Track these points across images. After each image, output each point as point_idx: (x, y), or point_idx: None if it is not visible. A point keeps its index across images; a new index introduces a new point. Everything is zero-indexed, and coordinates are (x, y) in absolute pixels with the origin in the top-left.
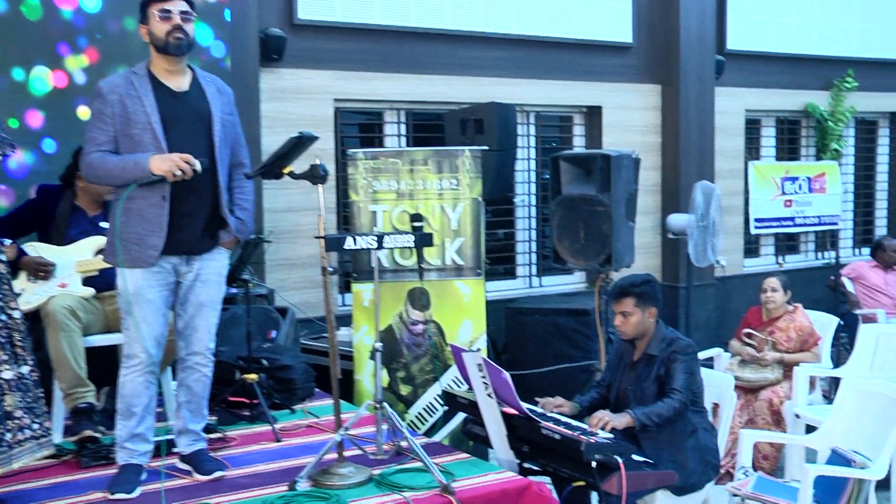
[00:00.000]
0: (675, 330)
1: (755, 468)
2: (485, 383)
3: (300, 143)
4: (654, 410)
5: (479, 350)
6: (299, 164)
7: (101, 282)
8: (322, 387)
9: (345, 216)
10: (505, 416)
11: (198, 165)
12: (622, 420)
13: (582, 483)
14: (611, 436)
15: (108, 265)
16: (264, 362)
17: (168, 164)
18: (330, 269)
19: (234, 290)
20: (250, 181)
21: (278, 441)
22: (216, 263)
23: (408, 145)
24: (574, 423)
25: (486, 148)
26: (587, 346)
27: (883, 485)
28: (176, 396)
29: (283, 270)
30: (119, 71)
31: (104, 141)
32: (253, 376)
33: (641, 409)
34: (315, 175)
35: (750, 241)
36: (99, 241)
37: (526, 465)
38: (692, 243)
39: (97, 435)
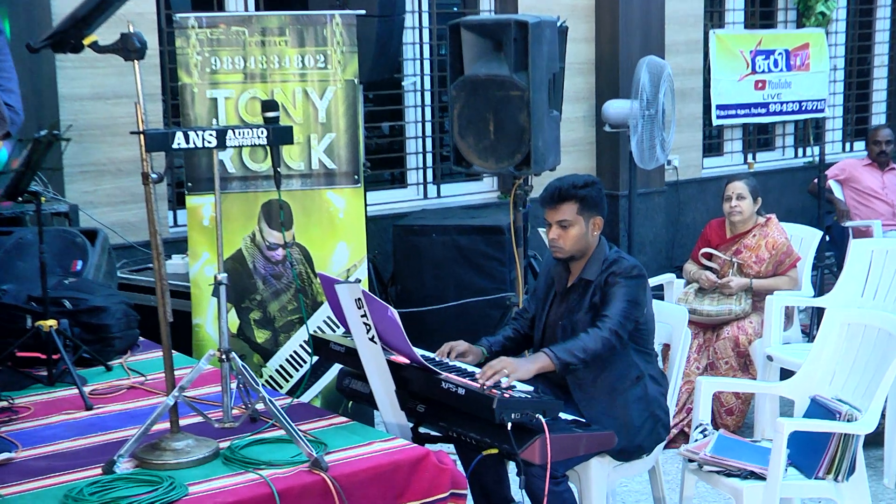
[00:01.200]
0: (620, 250)
1: (716, 426)
2: (366, 325)
3: (106, 1)
4: (576, 344)
5: (358, 281)
6: (106, 34)
7: None
8: (148, 335)
9: (174, 105)
10: (393, 366)
11: None
12: (531, 366)
13: (494, 451)
14: (530, 388)
15: None
16: (66, 304)
17: None
18: (154, 177)
19: (19, 208)
20: (4, 54)
21: (89, 409)
22: None
23: (257, 9)
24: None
25: (363, 13)
26: (500, 275)
27: (874, 441)
28: None
29: (90, 180)
30: None
31: None
32: (51, 322)
33: (560, 346)
34: (128, 48)
35: (711, 134)
36: None
37: (422, 429)
38: (636, 139)
39: None
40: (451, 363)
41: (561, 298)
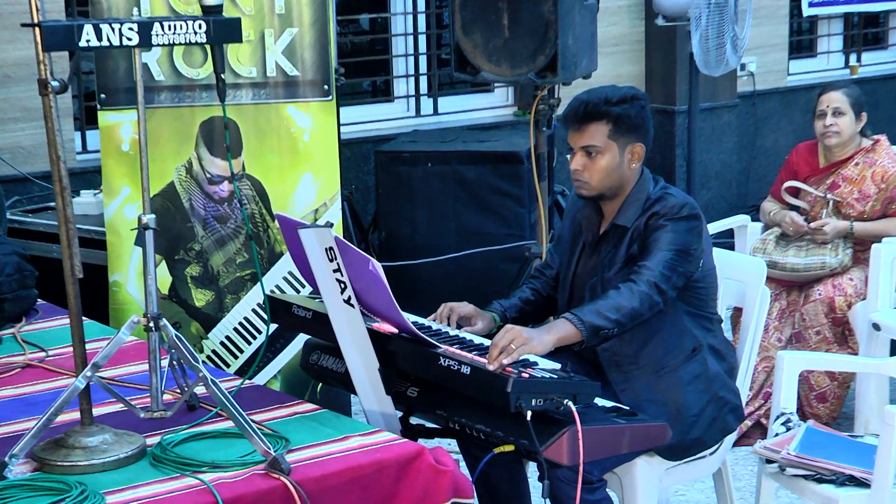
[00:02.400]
0: (670, 186)
1: (804, 416)
2: (340, 283)
3: None
4: (605, 303)
5: (329, 225)
6: None
7: None
8: (50, 296)
9: None
10: (376, 337)
11: None
12: (548, 336)
13: (509, 448)
14: (556, 366)
15: None
16: None
17: None
18: (55, 85)
19: None
20: None
21: None
22: None
23: None
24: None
25: None
26: (517, 218)
27: None
28: None
29: None
30: None
31: None
32: None
33: (585, 307)
34: None
35: (800, 28)
36: None
37: (414, 420)
38: (698, 35)
39: None
40: (452, 332)
41: (591, 250)
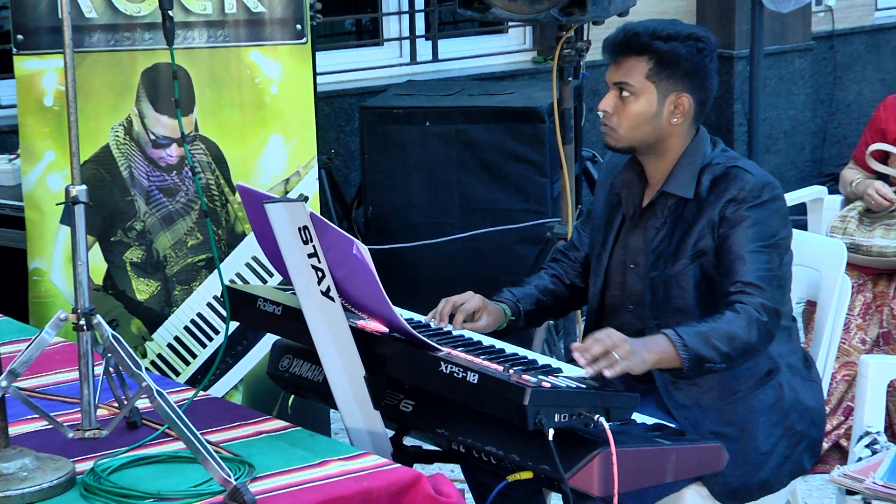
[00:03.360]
0: (730, 150)
1: (894, 436)
2: (317, 270)
3: None
4: (718, 330)
5: (303, 199)
6: None
7: None
8: None
9: None
10: (362, 338)
11: None
12: (648, 353)
13: (526, 475)
14: (581, 374)
15: None
16: None
17: None
18: None
19: None
20: None
21: None
22: None
23: None
24: (507, 347)
25: None
26: (536, 189)
27: None
28: None
29: None
30: None
31: None
32: None
33: (690, 328)
34: None
35: None
36: None
37: (408, 440)
38: None
39: None
40: (455, 332)
41: (633, 226)
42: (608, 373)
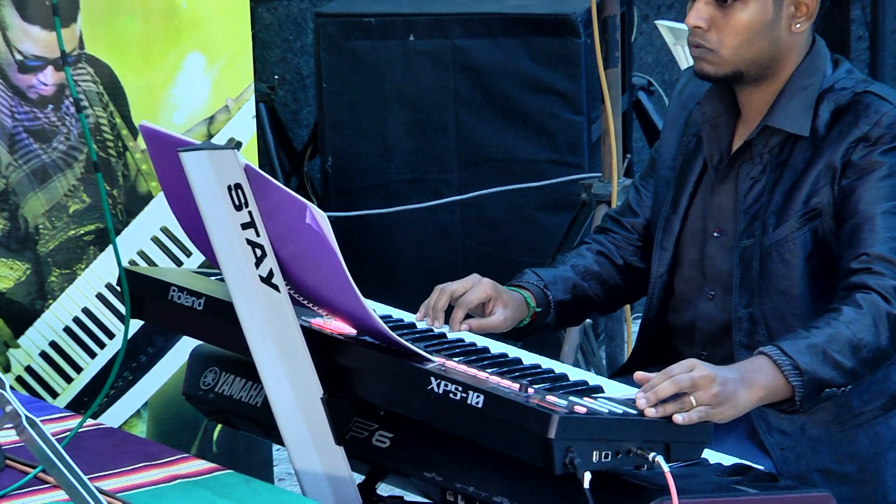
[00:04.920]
0: (856, 71)
1: None
2: (254, 247)
3: None
4: (837, 337)
5: (234, 146)
6: None
7: None
8: None
9: None
10: (320, 343)
11: None
12: (752, 392)
13: None
14: (631, 394)
15: None
16: None
17: None
18: None
19: None
20: None
21: None
22: None
23: None
24: (524, 356)
25: None
26: (566, 131)
27: None
28: None
29: None
30: None
31: None
32: None
33: (800, 340)
34: None
35: None
36: None
37: (384, 488)
38: None
39: None
40: (452, 335)
41: (719, 177)
42: (680, 419)
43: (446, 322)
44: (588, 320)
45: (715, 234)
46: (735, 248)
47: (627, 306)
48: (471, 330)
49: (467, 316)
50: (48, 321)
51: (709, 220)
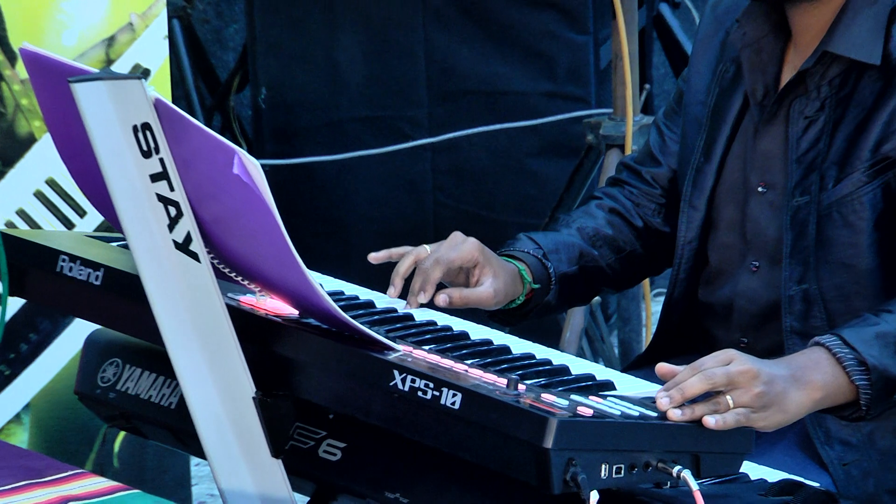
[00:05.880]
0: None
1: None
2: (167, 204)
3: None
4: None
5: (142, 75)
6: None
7: None
8: None
9: None
10: (251, 327)
11: None
12: (805, 393)
13: None
14: (651, 392)
15: None
16: None
17: None
18: None
19: None
20: None
21: None
22: None
23: None
24: (512, 342)
25: None
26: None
27: None
28: None
29: None
30: None
31: None
32: None
33: (865, 326)
34: None
35: None
36: None
37: None
38: None
39: None
40: (421, 317)
41: (765, 116)
42: (713, 423)
43: (410, 294)
44: (597, 298)
45: (759, 190)
46: (785, 208)
47: (647, 281)
48: (451, 304)
49: (441, 286)
50: None
51: (751, 172)
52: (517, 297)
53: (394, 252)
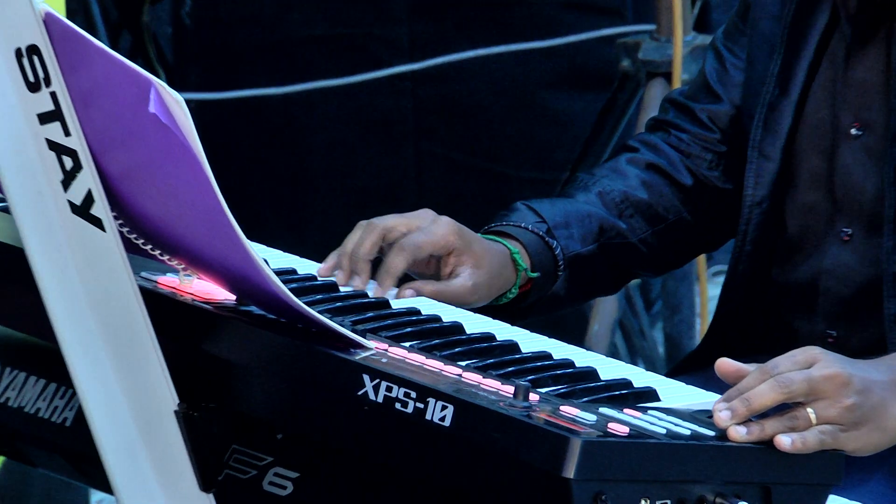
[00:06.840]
0: None
1: None
2: (61, 153)
3: None
4: None
5: None
6: None
7: None
8: None
9: None
10: (174, 316)
11: None
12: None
13: None
14: (707, 403)
15: None
16: None
17: None
18: None
19: None
20: None
21: None
22: None
23: None
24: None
25: None
26: None
27: None
28: None
29: None
30: None
31: None
32: None
33: None
34: None
35: None
36: None
37: None
38: None
39: None
40: (398, 305)
41: (857, 38)
42: (788, 444)
43: (379, 280)
44: (635, 280)
45: (853, 132)
46: (888, 157)
47: (702, 257)
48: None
49: (409, 278)
50: None
51: (842, 109)
52: (509, 289)
53: (342, 255)
